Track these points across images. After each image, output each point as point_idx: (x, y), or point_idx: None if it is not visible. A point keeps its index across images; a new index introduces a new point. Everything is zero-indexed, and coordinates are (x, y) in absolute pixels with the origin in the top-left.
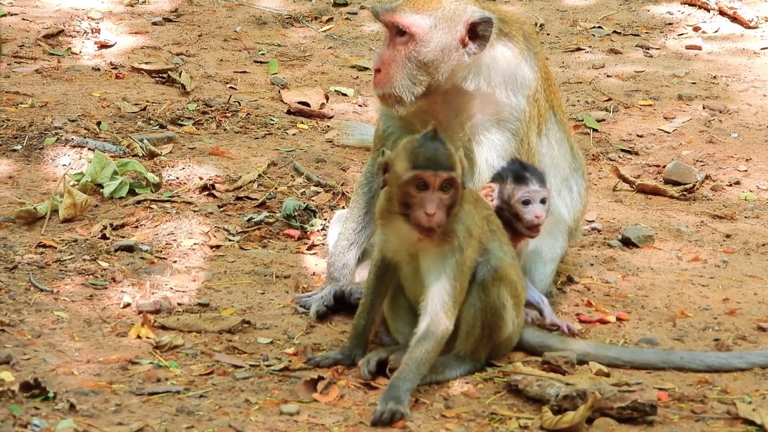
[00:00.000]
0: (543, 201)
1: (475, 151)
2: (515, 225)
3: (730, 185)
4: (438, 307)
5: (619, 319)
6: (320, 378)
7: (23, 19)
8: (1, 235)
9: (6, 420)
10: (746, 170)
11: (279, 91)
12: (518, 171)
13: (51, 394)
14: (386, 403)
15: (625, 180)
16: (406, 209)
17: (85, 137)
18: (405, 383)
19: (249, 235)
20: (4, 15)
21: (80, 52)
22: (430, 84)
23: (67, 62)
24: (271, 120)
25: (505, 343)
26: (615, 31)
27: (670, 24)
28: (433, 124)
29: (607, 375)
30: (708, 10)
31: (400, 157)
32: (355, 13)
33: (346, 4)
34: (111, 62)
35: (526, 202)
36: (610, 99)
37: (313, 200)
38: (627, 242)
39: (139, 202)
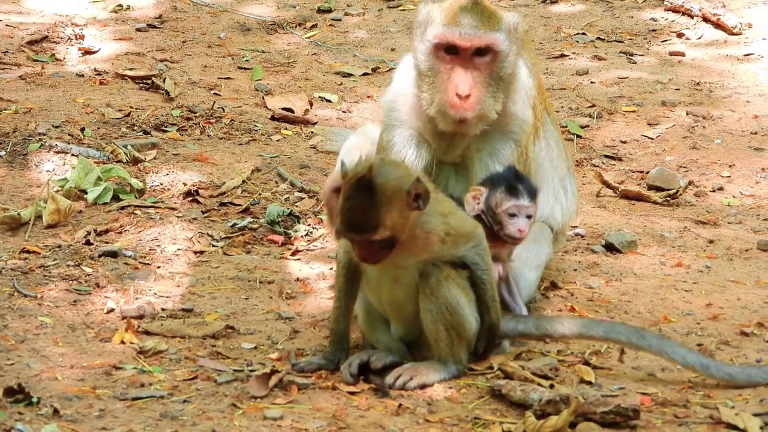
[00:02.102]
0: (529, 216)
1: (473, 158)
2: (496, 231)
3: (714, 191)
4: None
5: None
6: (274, 372)
7: (7, 25)
8: None
9: None
10: (729, 176)
11: (263, 98)
12: (512, 181)
13: (35, 399)
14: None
15: (608, 186)
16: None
17: (69, 143)
18: None
19: (233, 241)
20: None
21: (64, 59)
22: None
23: (51, 68)
24: (255, 126)
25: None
26: (599, 38)
27: (654, 30)
28: (367, 164)
29: (591, 382)
30: (692, 17)
31: (341, 195)
32: (340, 20)
33: (330, 11)
34: (95, 68)
35: (512, 215)
36: (593, 105)
37: (296, 206)
38: (610, 248)
39: (122, 207)
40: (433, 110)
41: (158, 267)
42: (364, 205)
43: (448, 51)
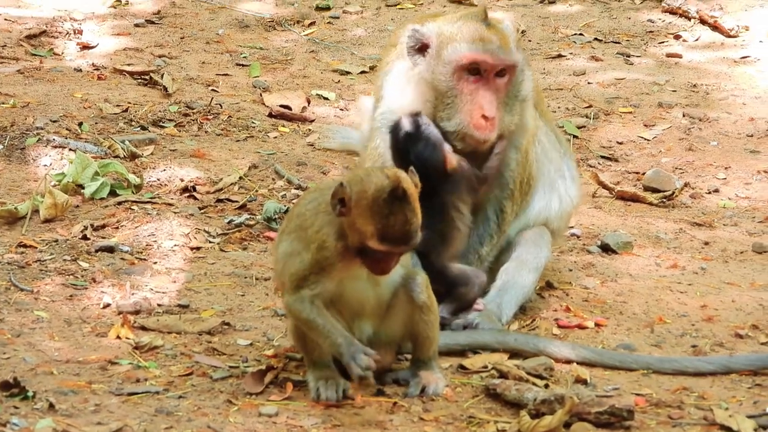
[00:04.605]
0: None
1: None
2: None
3: (709, 193)
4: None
5: (597, 324)
6: (269, 368)
7: (5, 19)
8: None
9: None
10: (725, 178)
11: (260, 94)
12: (415, 121)
13: (30, 394)
14: None
15: (604, 186)
16: (364, 254)
17: (66, 138)
18: None
19: (229, 237)
20: None
21: (62, 53)
22: None
23: (49, 63)
24: (253, 123)
25: None
26: (596, 39)
27: (651, 32)
28: (383, 176)
29: (585, 382)
30: (689, 19)
31: (364, 216)
32: (338, 17)
33: (328, 8)
34: (93, 63)
35: None
36: (590, 106)
37: (293, 203)
38: (606, 248)
39: (120, 203)
40: (450, 128)
41: (155, 263)
42: (408, 215)
43: (472, 72)
